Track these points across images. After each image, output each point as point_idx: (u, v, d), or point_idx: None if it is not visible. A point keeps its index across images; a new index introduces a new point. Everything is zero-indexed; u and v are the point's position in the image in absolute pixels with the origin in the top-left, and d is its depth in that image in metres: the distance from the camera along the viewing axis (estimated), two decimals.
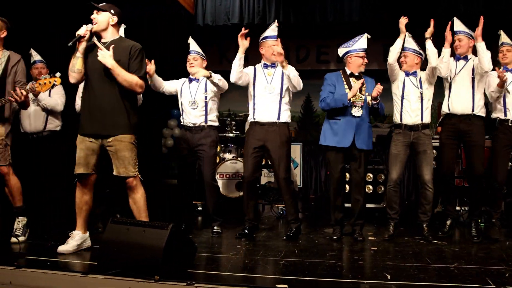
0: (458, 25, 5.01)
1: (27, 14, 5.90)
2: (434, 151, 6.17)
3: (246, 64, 4.94)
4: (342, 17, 7.83)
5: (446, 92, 5.13)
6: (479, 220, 5.86)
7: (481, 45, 4.76)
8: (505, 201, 5.99)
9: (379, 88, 4.74)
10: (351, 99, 4.76)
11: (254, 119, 4.97)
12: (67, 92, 5.41)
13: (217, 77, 4.90)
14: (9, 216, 4.67)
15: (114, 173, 4.02)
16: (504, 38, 5.18)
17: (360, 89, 4.81)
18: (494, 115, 5.17)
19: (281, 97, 4.92)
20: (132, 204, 4.09)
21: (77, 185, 4.10)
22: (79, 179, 4.07)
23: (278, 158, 4.87)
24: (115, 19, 4.06)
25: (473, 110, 4.93)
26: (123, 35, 4.80)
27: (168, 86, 5.24)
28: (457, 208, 6.26)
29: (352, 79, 4.91)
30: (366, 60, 4.95)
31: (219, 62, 9.75)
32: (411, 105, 4.96)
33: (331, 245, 4.70)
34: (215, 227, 5.10)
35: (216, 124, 5.21)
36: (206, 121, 5.09)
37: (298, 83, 4.87)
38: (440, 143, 5.21)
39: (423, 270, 3.76)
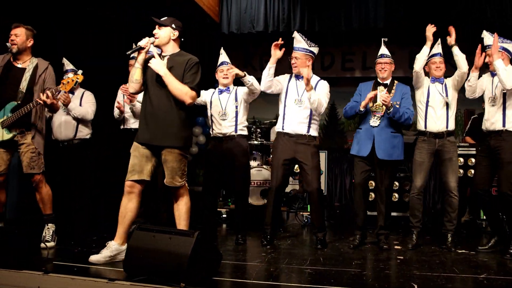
0: (488, 39, 4.76)
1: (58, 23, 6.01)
2: (461, 159, 6.13)
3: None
4: (367, 24, 7.80)
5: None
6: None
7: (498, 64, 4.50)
8: None
9: (383, 96, 4.71)
10: (372, 107, 4.82)
11: (283, 129, 4.97)
12: (99, 101, 5.52)
13: (250, 78, 4.94)
14: (38, 223, 4.73)
15: (164, 181, 4.08)
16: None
17: (375, 99, 4.83)
18: None
19: (311, 111, 4.91)
20: (175, 210, 4.15)
21: (124, 192, 4.08)
22: (129, 185, 4.05)
23: (311, 169, 4.86)
24: (176, 33, 4.12)
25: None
26: None
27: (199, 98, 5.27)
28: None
29: (380, 88, 4.91)
30: (384, 67, 4.96)
31: (243, 70, 9.76)
32: (436, 112, 4.92)
33: (357, 253, 4.67)
34: (240, 237, 5.09)
35: (245, 133, 5.23)
36: (236, 131, 5.11)
37: (317, 108, 4.81)
38: None
39: (450, 280, 3.70)
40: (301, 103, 4.91)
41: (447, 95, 4.92)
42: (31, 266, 3.69)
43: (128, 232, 4.05)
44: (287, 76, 5.08)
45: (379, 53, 5.06)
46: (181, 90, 3.92)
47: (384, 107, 4.80)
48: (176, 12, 7.37)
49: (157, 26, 4.11)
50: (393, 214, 6.12)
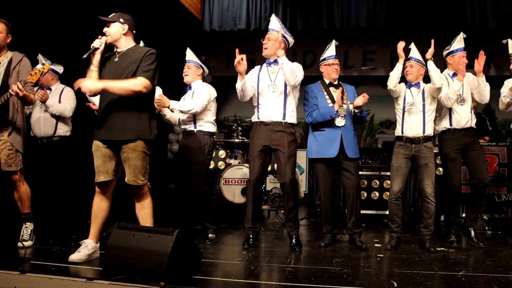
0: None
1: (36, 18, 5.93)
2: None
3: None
4: (349, 23, 7.85)
5: None
6: (486, 228, 5.90)
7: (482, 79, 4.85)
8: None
9: (365, 97, 4.72)
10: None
11: (258, 119, 4.87)
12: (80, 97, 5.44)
13: (176, 105, 4.94)
14: (14, 221, 4.67)
15: (125, 179, 4.02)
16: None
17: (342, 98, 4.83)
18: None
19: (285, 96, 4.80)
20: (139, 210, 4.06)
21: (96, 192, 4.07)
22: (99, 186, 4.04)
23: (286, 157, 4.74)
24: (126, 27, 4.06)
25: None
26: None
27: None
28: (463, 215, 6.28)
29: (332, 89, 4.92)
30: (337, 67, 4.94)
31: (226, 67, 9.78)
32: (412, 118, 4.93)
33: (337, 252, 4.68)
34: (210, 235, 5.05)
35: (207, 129, 5.11)
36: (195, 127, 5.06)
37: (292, 75, 4.62)
38: None
39: (429, 278, 3.73)
40: (275, 87, 4.78)
41: (424, 100, 4.92)
42: (8, 266, 3.63)
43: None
44: (256, 68, 4.97)
45: (330, 54, 4.98)
46: (126, 87, 3.85)
47: (345, 107, 4.83)
48: (158, 10, 7.38)
49: (105, 25, 4.06)
50: (374, 212, 6.17)
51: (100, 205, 4.06)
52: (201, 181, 5.04)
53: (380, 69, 9.05)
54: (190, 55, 5.25)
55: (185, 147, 5.05)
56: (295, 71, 4.65)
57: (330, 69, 4.94)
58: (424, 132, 4.90)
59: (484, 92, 4.89)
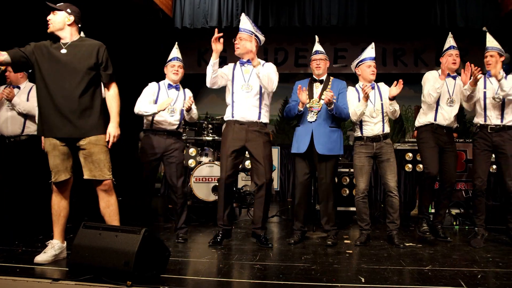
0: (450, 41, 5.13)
1: None
2: (410, 154, 6.31)
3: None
4: (321, 21, 7.88)
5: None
6: (454, 223, 5.98)
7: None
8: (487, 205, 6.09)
9: (328, 95, 4.72)
10: (308, 103, 4.84)
11: (233, 117, 4.83)
12: None
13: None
14: None
15: (87, 176, 3.91)
16: (490, 42, 5.05)
17: (320, 95, 4.86)
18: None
19: (261, 96, 4.82)
20: (105, 208, 3.98)
21: (54, 191, 3.98)
22: (59, 185, 3.96)
23: (263, 158, 4.73)
24: (72, 18, 3.94)
25: None
26: None
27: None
28: (432, 210, 6.37)
29: (315, 84, 4.97)
30: (319, 63, 4.97)
31: (197, 65, 9.75)
32: (372, 119, 4.97)
33: (307, 249, 4.70)
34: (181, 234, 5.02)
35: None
36: (179, 127, 5.05)
37: (269, 83, 4.66)
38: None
39: (397, 273, 3.77)
40: (249, 88, 4.78)
41: (381, 100, 4.96)
42: None
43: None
44: (231, 65, 4.96)
45: (314, 50, 5.06)
46: (118, 102, 3.99)
47: (320, 103, 4.85)
48: (128, 7, 7.30)
49: (51, 12, 3.94)
50: (345, 209, 6.21)
51: (60, 204, 3.99)
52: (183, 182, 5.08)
53: (351, 66, 9.09)
54: (178, 53, 5.19)
55: (168, 149, 5.00)
56: (271, 78, 4.67)
57: (313, 64, 5.04)
58: (383, 131, 4.97)
59: (470, 102, 4.94)
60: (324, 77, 5.03)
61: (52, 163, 3.92)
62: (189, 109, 4.91)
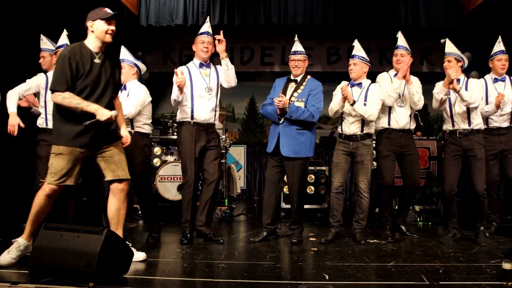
0: (401, 40, 5.13)
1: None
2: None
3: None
4: (286, 19, 7.90)
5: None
6: (418, 219, 6.08)
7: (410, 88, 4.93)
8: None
9: (275, 100, 4.75)
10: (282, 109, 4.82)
11: (192, 119, 4.84)
12: None
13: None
14: None
15: (110, 177, 3.89)
16: (448, 48, 5.06)
17: (291, 97, 4.87)
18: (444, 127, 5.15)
19: (216, 98, 4.95)
20: (117, 210, 3.93)
21: (47, 193, 3.83)
22: (56, 190, 3.84)
23: (218, 157, 4.91)
24: None
25: None
26: (67, 42, 4.83)
27: None
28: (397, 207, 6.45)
29: (290, 84, 4.98)
30: (298, 64, 4.96)
31: (163, 63, 9.66)
32: (349, 119, 4.99)
33: (272, 247, 4.71)
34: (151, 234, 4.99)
35: (144, 131, 5.03)
36: (132, 128, 4.96)
37: (234, 77, 4.90)
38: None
39: (361, 270, 3.81)
40: (211, 90, 4.88)
41: (365, 99, 4.95)
42: None
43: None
44: (184, 70, 4.91)
45: (293, 50, 5.04)
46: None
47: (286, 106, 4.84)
48: (92, 4, 7.17)
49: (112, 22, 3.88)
50: (310, 206, 6.25)
51: (46, 208, 3.89)
52: (145, 182, 5.05)
53: (317, 65, 9.15)
54: (123, 53, 5.11)
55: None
56: (234, 73, 4.86)
57: (291, 64, 5.02)
58: (362, 131, 4.97)
59: (413, 99, 4.94)
60: (300, 77, 5.00)
61: (60, 165, 3.78)
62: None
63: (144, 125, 5.03)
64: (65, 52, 3.74)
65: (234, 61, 9.44)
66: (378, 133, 5.22)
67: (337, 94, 5.03)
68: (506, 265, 3.38)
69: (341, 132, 5.06)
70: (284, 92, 4.91)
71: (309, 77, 5.04)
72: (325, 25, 7.97)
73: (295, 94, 4.88)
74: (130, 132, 4.87)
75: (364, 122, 4.97)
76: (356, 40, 5.11)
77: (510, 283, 3.35)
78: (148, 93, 5.04)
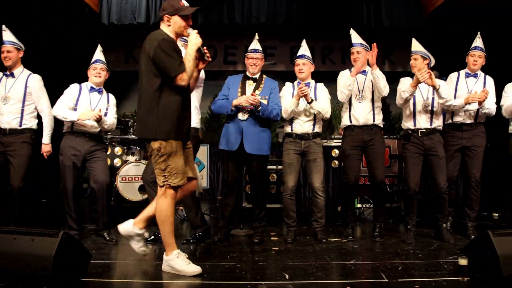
0: (355, 37, 5.09)
1: None
2: (336, 151, 6.42)
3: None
4: (250, 18, 7.89)
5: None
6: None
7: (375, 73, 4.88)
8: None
9: (250, 99, 4.72)
10: (239, 105, 4.79)
11: None
12: None
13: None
14: None
15: (190, 175, 3.85)
16: (414, 46, 5.08)
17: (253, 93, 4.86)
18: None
19: None
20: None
21: (174, 197, 3.72)
22: (178, 188, 3.74)
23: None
24: None
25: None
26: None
27: None
28: (359, 205, 6.53)
29: (248, 82, 4.96)
30: (256, 62, 4.96)
31: (124, 62, 9.53)
32: (303, 116, 5.01)
33: (233, 246, 4.70)
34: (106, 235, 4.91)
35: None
36: (100, 131, 4.97)
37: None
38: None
39: (321, 268, 3.83)
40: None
41: (315, 98, 5.00)
42: None
43: None
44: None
45: (251, 48, 5.03)
46: None
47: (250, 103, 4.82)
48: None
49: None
50: (272, 206, 6.24)
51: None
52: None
53: (280, 64, 9.18)
54: (101, 54, 5.07)
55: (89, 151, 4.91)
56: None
57: (248, 62, 5.01)
58: (313, 129, 5.01)
59: (378, 85, 4.89)
60: (257, 76, 5.01)
61: (179, 163, 3.69)
62: (98, 120, 4.75)
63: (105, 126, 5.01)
64: (167, 37, 3.66)
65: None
66: (343, 131, 5.25)
67: (285, 95, 5.05)
68: (462, 261, 3.47)
69: (291, 131, 5.05)
70: (244, 90, 4.90)
71: (265, 76, 5.06)
72: (289, 25, 7.98)
73: (257, 92, 4.86)
74: (96, 134, 4.93)
75: (315, 120, 5.02)
76: (304, 40, 5.14)
77: (466, 279, 3.43)
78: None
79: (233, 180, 4.97)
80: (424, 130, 4.95)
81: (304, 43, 5.11)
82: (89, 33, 8.07)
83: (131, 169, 6.12)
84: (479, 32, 5.27)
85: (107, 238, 4.83)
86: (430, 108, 4.96)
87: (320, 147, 5.04)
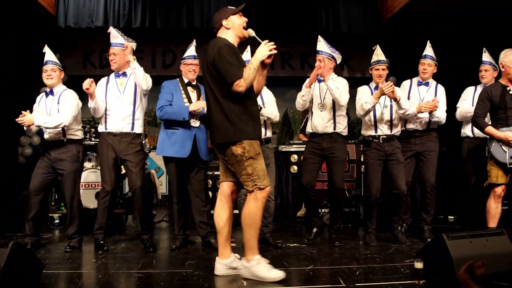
0: (321, 45, 5.04)
1: None
2: (295, 156, 6.44)
3: None
4: (209, 23, 7.89)
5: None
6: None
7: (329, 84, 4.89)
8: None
9: (201, 104, 4.75)
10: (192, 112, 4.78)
11: (106, 129, 4.86)
12: None
13: (41, 123, 4.69)
14: None
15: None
16: (377, 55, 5.13)
17: (197, 99, 4.88)
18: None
19: (134, 107, 4.84)
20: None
21: (261, 198, 3.73)
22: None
23: (134, 167, 4.79)
24: None
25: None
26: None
27: None
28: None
29: (189, 88, 4.94)
30: (195, 68, 4.94)
31: (82, 66, 9.37)
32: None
33: (191, 253, 4.65)
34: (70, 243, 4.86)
35: (77, 137, 4.98)
36: (64, 135, 4.86)
37: (144, 80, 4.74)
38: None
39: None
40: (124, 99, 4.81)
41: (263, 104, 5.00)
42: None
43: None
44: (103, 81, 4.96)
45: (190, 54, 4.98)
46: None
47: (201, 109, 4.80)
48: (6, 1, 6.84)
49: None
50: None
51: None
52: (76, 192, 4.95)
53: None
54: (52, 56, 4.96)
55: (57, 159, 4.84)
56: (146, 75, 4.76)
57: (187, 68, 4.94)
58: (265, 134, 5.01)
59: (333, 96, 4.88)
60: (195, 82, 5.00)
61: (263, 165, 3.72)
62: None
63: (77, 131, 4.98)
64: (227, 42, 3.67)
65: (156, 65, 9.40)
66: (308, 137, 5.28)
67: None
68: (418, 264, 3.50)
69: None
70: (188, 96, 4.87)
71: (199, 83, 5.04)
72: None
73: (201, 99, 4.87)
74: (62, 141, 4.85)
75: (266, 126, 5.05)
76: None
77: (421, 281, 3.47)
78: (77, 97, 5.00)
79: (183, 186, 4.95)
80: (385, 136, 5.03)
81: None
82: (45, 36, 7.88)
83: (87, 175, 5.98)
84: (428, 41, 5.38)
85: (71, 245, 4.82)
86: (389, 116, 5.04)
87: (272, 152, 5.08)
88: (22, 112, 4.65)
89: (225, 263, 3.79)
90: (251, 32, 3.78)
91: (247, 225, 3.72)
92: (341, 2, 8.08)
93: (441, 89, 5.38)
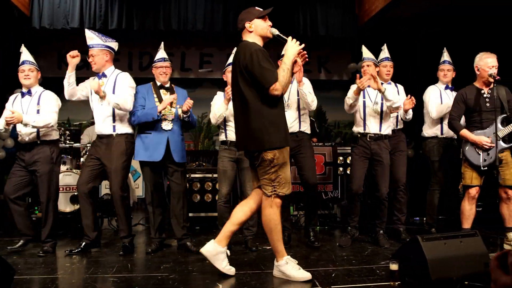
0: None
1: None
2: None
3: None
4: (186, 25, 7.87)
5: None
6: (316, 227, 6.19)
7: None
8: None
9: (189, 103, 4.76)
10: (162, 112, 4.76)
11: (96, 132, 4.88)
12: None
13: (30, 121, 4.66)
14: None
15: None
16: (365, 53, 5.27)
17: (171, 103, 4.83)
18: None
19: (113, 108, 4.76)
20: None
21: (280, 205, 3.77)
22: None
23: (114, 172, 4.73)
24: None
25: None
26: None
27: None
28: (295, 212, 6.58)
29: (162, 91, 4.93)
30: (166, 71, 4.93)
31: (58, 68, 9.27)
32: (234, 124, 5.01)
33: (167, 257, 4.61)
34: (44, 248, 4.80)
35: (52, 137, 4.94)
36: (39, 137, 4.80)
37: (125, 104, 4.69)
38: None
39: (255, 277, 3.80)
40: (103, 101, 4.73)
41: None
42: None
43: None
44: (91, 79, 4.90)
45: (160, 57, 4.97)
46: None
47: (173, 111, 4.82)
48: None
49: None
50: (196, 214, 6.32)
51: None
52: (54, 195, 4.94)
53: (217, 72, 9.11)
54: (29, 56, 4.94)
55: (32, 161, 4.80)
56: (125, 99, 4.70)
57: (158, 71, 4.93)
58: None
59: (306, 100, 4.90)
60: (168, 85, 5.00)
61: (288, 174, 3.75)
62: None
63: (52, 132, 4.93)
64: (258, 47, 3.67)
65: (132, 67, 9.33)
66: None
67: (216, 103, 5.05)
68: (393, 266, 3.53)
69: (225, 138, 5.05)
70: (161, 99, 4.85)
71: (173, 85, 5.07)
72: (226, 32, 8.00)
73: (174, 101, 4.86)
74: (36, 142, 4.80)
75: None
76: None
77: (397, 283, 3.50)
78: (56, 96, 4.99)
79: (158, 190, 4.93)
80: (372, 135, 5.07)
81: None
82: (19, 37, 7.77)
83: (62, 178, 5.89)
84: (385, 44, 5.52)
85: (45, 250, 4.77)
86: (379, 112, 5.07)
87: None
88: (11, 110, 4.62)
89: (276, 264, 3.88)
90: (274, 31, 3.79)
91: (268, 231, 3.81)
92: (319, 6, 8.12)
93: (401, 88, 5.53)
